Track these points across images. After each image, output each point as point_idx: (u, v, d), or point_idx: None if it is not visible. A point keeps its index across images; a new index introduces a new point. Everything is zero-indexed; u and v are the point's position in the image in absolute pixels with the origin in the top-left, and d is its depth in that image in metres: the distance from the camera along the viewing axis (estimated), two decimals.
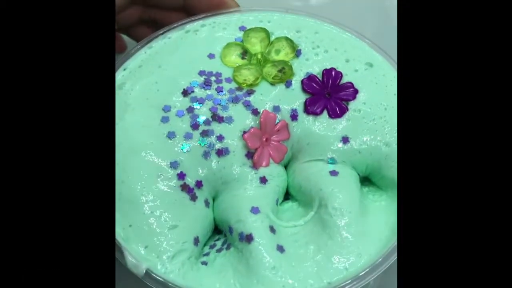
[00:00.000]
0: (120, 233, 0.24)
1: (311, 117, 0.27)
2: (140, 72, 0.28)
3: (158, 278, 0.23)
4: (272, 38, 0.29)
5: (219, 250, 0.25)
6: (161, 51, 0.29)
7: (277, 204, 0.26)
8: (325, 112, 0.27)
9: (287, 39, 0.29)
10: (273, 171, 0.26)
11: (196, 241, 0.24)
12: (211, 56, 0.28)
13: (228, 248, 0.25)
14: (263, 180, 0.25)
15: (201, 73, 0.27)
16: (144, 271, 0.23)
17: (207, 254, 0.25)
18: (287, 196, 0.28)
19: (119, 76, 0.28)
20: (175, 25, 0.30)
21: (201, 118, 0.26)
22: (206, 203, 0.25)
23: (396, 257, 0.23)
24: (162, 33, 0.29)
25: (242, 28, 0.29)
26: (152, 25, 0.33)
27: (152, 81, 0.27)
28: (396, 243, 0.24)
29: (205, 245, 0.26)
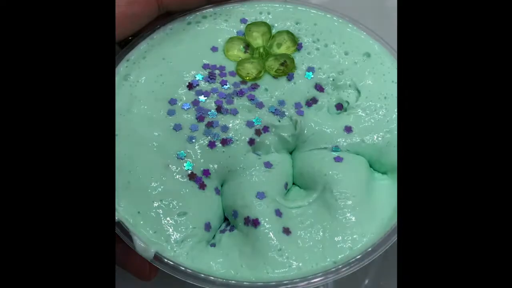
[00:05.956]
0: (129, 220, 0.25)
1: (314, 110, 0.29)
2: (144, 64, 0.29)
3: (167, 261, 0.25)
4: (273, 30, 0.30)
5: (222, 231, 0.27)
6: (164, 43, 0.30)
7: (285, 188, 0.28)
8: None
9: (288, 32, 0.30)
10: (278, 157, 0.28)
11: (207, 226, 0.26)
12: (214, 49, 0.30)
13: (231, 230, 0.27)
14: (268, 164, 0.27)
15: (205, 66, 0.29)
16: (153, 255, 0.25)
17: (213, 237, 0.27)
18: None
19: (123, 67, 0.29)
20: (175, 16, 0.31)
21: (207, 111, 0.27)
22: (217, 191, 0.27)
23: (396, 237, 0.25)
24: (164, 25, 0.31)
25: (243, 21, 0.31)
26: None
27: (157, 74, 0.29)
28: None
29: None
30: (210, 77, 0.28)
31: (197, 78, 0.28)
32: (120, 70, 0.29)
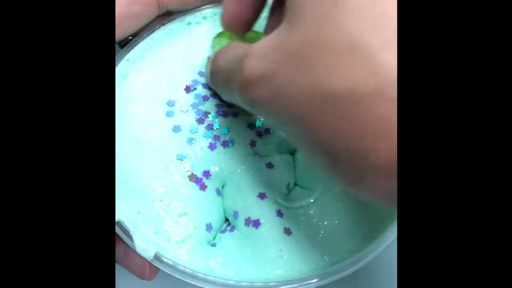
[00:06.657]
0: (129, 219, 0.25)
1: None
2: (144, 64, 0.29)
3: (167, 261, 0.25)
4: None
5: (223, 232, 0.27)
6: (163, 43, 0.30)
7: (287, 189, 0.28)
8: None
9: None
10: (280, 158, 0.28)
11: (209, 227, 0.26)
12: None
13: (231, 230, 0.27)
14: (269, 165, 0.27)
15: (201, 73, 0.29)
16: (153, 255, 0.25)
17: (213, 237, 0.27)
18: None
19: (122, 66, 0.29)
20: (175, 16, 0.31)
21: (206, 113, 0.27)
22: (218, 192, 0.27)
23: (396, 237, 0.25)
24: (163, 25, 0.31)
25: None
26: None
27: (155, 75, 0.29)
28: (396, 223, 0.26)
29: None
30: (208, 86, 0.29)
31: (194, 83, 0.28)
32: (120, 69, 0.29)
